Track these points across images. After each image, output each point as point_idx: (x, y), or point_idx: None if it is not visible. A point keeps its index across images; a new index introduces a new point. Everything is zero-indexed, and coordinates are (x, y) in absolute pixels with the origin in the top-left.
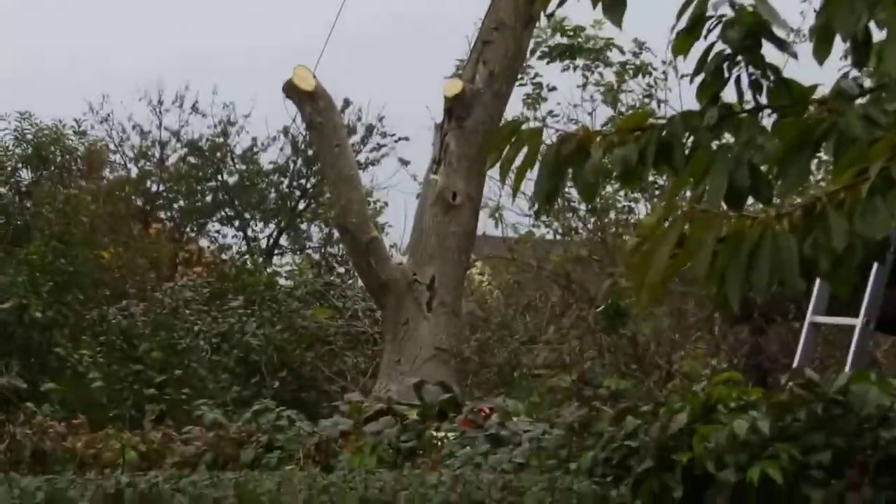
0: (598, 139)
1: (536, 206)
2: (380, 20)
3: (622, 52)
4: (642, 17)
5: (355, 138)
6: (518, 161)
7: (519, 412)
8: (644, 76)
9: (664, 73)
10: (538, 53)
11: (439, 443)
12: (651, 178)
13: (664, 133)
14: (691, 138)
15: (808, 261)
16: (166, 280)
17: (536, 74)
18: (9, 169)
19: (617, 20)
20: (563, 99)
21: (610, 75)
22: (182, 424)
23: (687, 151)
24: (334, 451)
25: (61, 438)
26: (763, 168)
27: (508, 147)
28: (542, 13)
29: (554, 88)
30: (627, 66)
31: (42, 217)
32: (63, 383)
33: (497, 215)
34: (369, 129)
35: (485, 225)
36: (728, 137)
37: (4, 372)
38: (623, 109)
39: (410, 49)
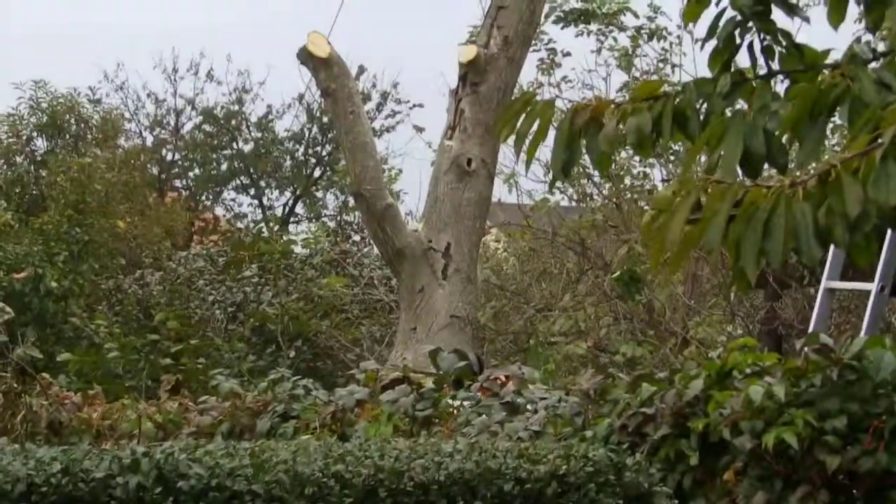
0: (611, 108)
1: (552, 176)
2: None
3: (636, 16)
4: None
5: (370, 105)
6: (532, 131)
7: (535, 380)
8: (659, 40)
9: (679, 37)
10: (553, 18)
11: (455, 411)
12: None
13: (678, 101)
14: (705, 105)
15: (823, 228)
16: (182, 249)
17: (550, 40)
18: (24, 138)
19: None
20: (578, 64)
21: (624, 40)
22: (198, 394)
23: (701, 118)
24: (350, 419)
25: (77, 409)
26: (778, 134)
27: (522, 119)
28: None
29: (568, 54)
30: (642, 31)
31: (57, 186)
32: (79, 353)
33: (512, 182)
34: (384, 96)
35: (500, 191)
36: (742, 104)
37: (20, 342)
38: (637, 74)
39: (425, 14)
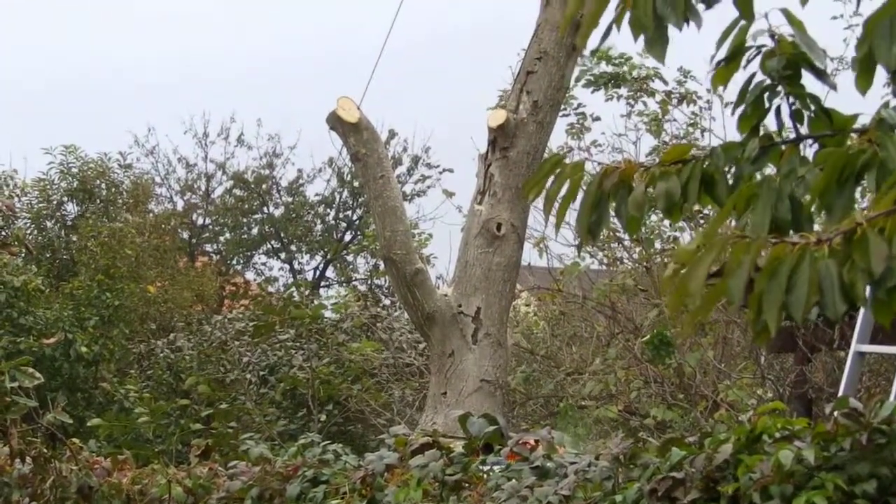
0: (640, 172)
1: (579, 239)
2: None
3: (665, 83)
4: (687, 45)
5: (401, 170)
6: (561, 194)
7: (565, 443)
8: (688, 105)
9: (708, 101)
10: (583, 82)
11: (485, 475)
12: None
13: (706, 165)
14: (733, 169)
15: (847, 285)
16: (213, 314)
17: (580, 104)
18: (54, 203)
19: (660, 55)
20: (608, 128)
21: (654, 105)
22: (229, 459)
23: (730, 182)
24: (380, 484)
25: (107, 474)
26: (806, 197)
27: (552, 181)
28: (584, 45)
29: (598, 118)
30: (672, 95)
31: (87, 251)
32: (109, 418)
33: (542, 246)
34: (415, 161)
35: (530, 255)
36: (770, 168)
37: (50, 407)
38: (667, 139)
39: (456, 78)
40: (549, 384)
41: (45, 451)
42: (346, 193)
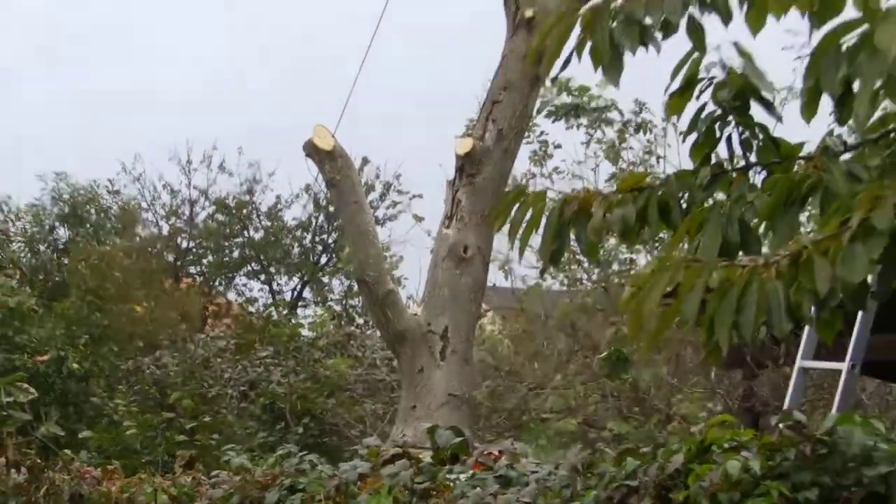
0: (598, 199)
1: (542, 264)
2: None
3: (622, 114)
4: (643, 76)
5: (374, 195)
6: (525, 221)
7: (527, 454)
8: (644, 133)
9: (664, 129)
10: (545, 112)
11: (452, 484)
12: None
13: (661, 192)
14: (687, 195)
15: (793, 305)
16: (197, 332)
17: (542, 132)
18: (46, 227)
19: (614, 80)
20: (568, 156)
21: (612, 133)
22: (212, 469)
23: (684, 207)
24: (353, 492)
25: (97, 483)
26: (755, 223)
27: (515, 210)
28: (547, 74)
29: (559, 146)
30: (629, 124)
31: (78, 273)
32: (99, 431)
33: (506, 268)
34: (387, 187)
35: (495, 277)
36: (721, 194)
37: (44, 421)
38: (624, 166)
39: (424, 109)
40: (513, 398)
41: (38, 461)
42: (321, 218)
